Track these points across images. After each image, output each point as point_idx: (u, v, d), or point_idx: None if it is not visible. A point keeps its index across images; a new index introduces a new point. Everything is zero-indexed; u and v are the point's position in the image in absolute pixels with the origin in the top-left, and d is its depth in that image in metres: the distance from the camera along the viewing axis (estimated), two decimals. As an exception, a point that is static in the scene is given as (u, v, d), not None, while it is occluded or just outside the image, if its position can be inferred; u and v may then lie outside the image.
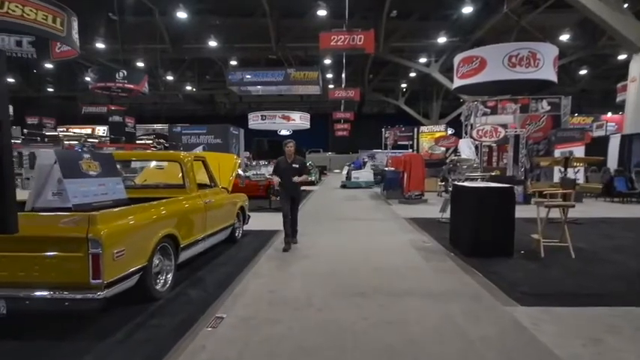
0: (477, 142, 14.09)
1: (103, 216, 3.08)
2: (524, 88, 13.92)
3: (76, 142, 15.38)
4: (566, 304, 3.69)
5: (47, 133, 15.35)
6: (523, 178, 12.52)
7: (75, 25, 7.45)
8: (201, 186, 5.54)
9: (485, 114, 13.85)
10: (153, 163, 6.13)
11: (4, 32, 9.32)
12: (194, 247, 4.70)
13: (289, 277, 4.70)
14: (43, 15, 6.92)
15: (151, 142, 17.97)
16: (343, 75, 24.80)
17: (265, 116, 27.82)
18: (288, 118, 27.00)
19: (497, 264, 4.99)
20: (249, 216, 7.17)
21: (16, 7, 6.76)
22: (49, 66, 29.66)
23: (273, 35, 22.96)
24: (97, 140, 17.19)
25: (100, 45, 22.91)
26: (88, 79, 19.82)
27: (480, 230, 5.38)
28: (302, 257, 5.51)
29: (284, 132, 35.27)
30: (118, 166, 7.81)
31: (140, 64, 26.85)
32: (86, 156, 3.95)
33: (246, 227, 7.12)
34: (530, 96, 13.62)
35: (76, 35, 7.50)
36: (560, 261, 5.17)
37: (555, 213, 5.87)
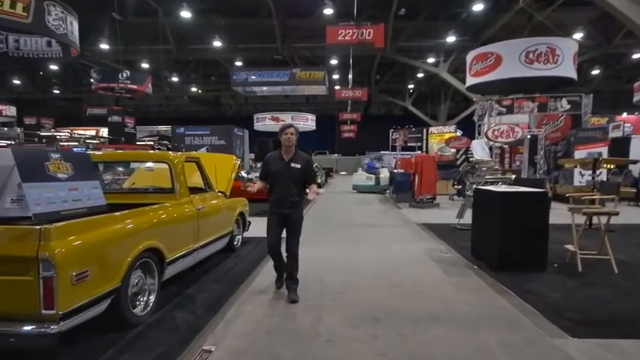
0: (491, 143, 13.44)
1: (59, 229, 2.49)
2: (539, 87, 13.25)
3: (76, 143, 14.95)
4: (627, 336, 3.04)
5: (42, 134, 14.89)
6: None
7: (52, 10, 6.81)
8: (196, 190, 4.97)
9: (500, 113, 13.20)
10: (144, 165, 5.57)
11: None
12: (184, 261, 4.11)
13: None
14: (-6, -1, 6.31)
15: (152, 142, 17.50)
16: (350, 76, 24.26)
17: (258, 118, 27.59)
18: (277, 119, 26.69)
19: (531, 280, 4.35)
20: (249, 222, 6.59)
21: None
22: (54, 67, 29.44)
23: (279, 35, 22.49)
24: (97, 141, 16.74)
25: (104, 46, 22.58)
26: (91, 80, 19.50)
27: (509, 240, 4.74)
28: (306, 272, 4.88)
29: (289, 133, 34.72)
30: (121, 169, 7.36)
31: (145, 65, 26.51)
32: (54, 156, 3.37)
33: (247, 234, 6.54)
34: (549, 94, 12.92)
35: (54, 23, 6.84)
36: (603, 277, 4.52)
37: (582, 219, 5.22)
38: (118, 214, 3.17)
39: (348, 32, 9.88)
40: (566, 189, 8.01)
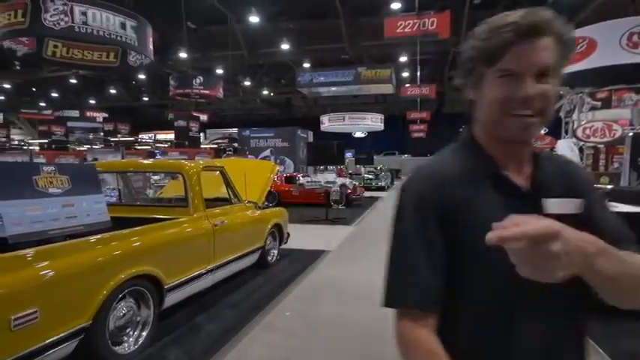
0: (581, 143, 11.55)
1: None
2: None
3: (148, 147, 15.76)
4: None
5: (112, 139, 15.88)
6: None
7: (50, 5, 6.79)
8: (220, 201, 4.57)
9: (594, 108, 11.28)
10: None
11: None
12: (194, 284, 3.67)
13: (313, 333, 3.44)
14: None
15: (216, 146, 17.97)
16: (417, 73, 22.95)
17: (324, 120, 28.02)
18: (343, 120, 26.79)
19: (629, 333, 3.23)
20: (288, 234, 6.03)
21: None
22: (143, 77, 31.99)
23: (346, 35, 22.00)
24: (166, 145, 17.56)
25: (183, 54, 23.91)
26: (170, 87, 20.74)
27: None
28: (336, 302, 4.20)
29: (358, 134, 34.11)
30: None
31: (220, 71, 27.63)
32: (47, 169, 3.09)
33: (291, 244, 6.06)
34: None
35: (51, 19, 6.62)
36: None
37: None
38: (99, 236, 2.79)
39: (408, 23, 8.96)
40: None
